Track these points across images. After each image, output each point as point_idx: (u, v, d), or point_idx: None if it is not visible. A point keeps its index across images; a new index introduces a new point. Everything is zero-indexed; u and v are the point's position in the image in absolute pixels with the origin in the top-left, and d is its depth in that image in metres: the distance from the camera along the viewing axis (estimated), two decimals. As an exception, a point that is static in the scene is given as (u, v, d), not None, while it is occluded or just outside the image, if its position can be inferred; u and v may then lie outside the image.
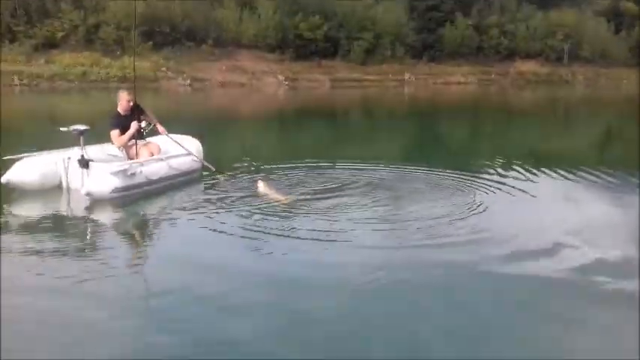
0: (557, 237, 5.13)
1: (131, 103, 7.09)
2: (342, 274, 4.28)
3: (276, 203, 6.18)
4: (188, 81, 40.03)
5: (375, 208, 6.13)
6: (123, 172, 6.11)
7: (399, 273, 4.32)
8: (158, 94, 33.18)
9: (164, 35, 42.97)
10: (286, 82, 44.05)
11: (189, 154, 7.35)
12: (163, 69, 40.59)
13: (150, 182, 6.52)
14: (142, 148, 7.06)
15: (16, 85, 34.80)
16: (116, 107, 7.19)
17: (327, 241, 5.03)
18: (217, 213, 5.86)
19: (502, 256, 4.67)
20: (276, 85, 42.90)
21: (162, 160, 6.95)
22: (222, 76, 42.02)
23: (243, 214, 5.81)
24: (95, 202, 6.07)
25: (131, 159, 6.90)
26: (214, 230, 5.29)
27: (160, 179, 6.72)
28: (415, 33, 54.83)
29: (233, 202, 6.29)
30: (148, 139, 7.42)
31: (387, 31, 52.08)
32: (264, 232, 5.20)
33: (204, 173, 7.65)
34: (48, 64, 38.11)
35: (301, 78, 45.87)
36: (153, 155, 7.02)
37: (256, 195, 6.45)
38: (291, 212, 5.91)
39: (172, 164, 6.98)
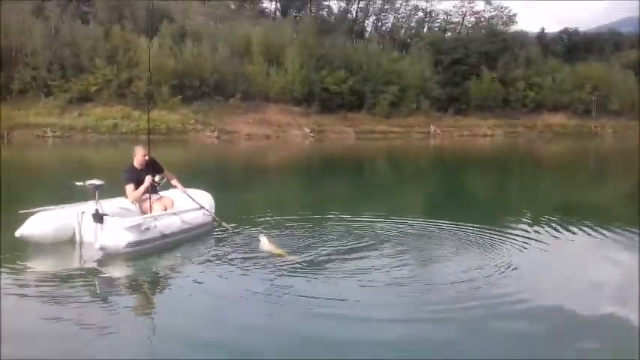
0: (595, 302, 4.81)
1: (147, 158, 7.08)
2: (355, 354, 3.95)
3: (293, 260, 5.99)
4: (216, 133, 40.69)
5: (399, 269, 5.81)
6: (137, 227, 6.09)
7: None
8: (186, 146, 33.74)
9: (194, 89, 44.15)
10: (312, 134, 44.45)
11: (202, 208, 7.32)
12: (192, 122, 41.42)
13: (163, 236, 6.49)
14: (156, 203, 7.00)
15: (49, 136, 35.81)
16: (132, 161, 7.19)
17: (342, 307, 4.72)
18: (229, 269, 5.76)
19: (540, 330, 4.27)
20: (302, 137, 43.30)
21: (175, 214, 6.91)
22: (248, 129, 42.67)
23: (256, 271, 5.67)
24: (108, 256, 6.03)
25: (144, 213, 6.87)
26: (226, 286, 5.24)
27: (173, 233, 6.70)
28: (440, 86, 55.33)
29: (244, 257, 6.14)
30: (161, 193, 7.36)
31: (413, 84, 52.75)
32: (282, 292, 4.98)
33: (215, 227, 7.61)
34: (81, 116, 39.25)
35: (327, 130, 46.36)
36: (166, 209, 6.96)
37: (259, 250, 6.35)
38: (308, 271, 5.68)
39: (185, 218, 6.95)
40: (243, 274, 5.58)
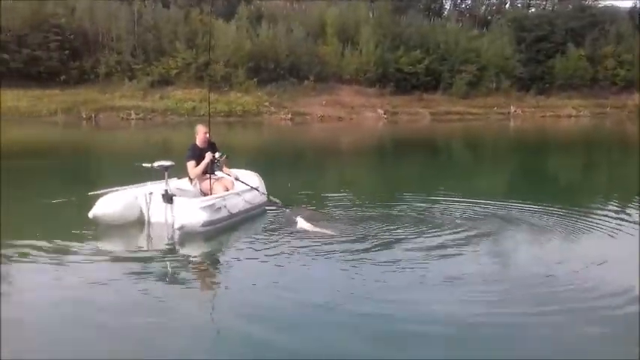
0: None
1: (207, 136, 7.29)
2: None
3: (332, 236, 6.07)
4: (289, 115, 41.05)
5: (471, 260, 5.57)
6: (211, 207, 6.40)
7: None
8: (260, 128, 34.29)
9: (269, 71, 44.64)
10: (385, 116, 43.85)
11: (256, 189, 7.57)
12: (266, 104, 41.99)
13: (231, 216, 6.79)
14: (216, 183, 7.18)
15: (133, 118, 37.50)
16: (194, 140, 7.42)
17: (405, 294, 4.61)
18: (290, 249, 5.87)
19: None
20: (375, 119, 42.84)
21: (238, 194, 7.17)
22: (322, 111, 42.68)
23: (318, 252, 5.75)
24: (176, 236, 6.30)
25: (204, 193, 7.09)
26: (291, 266, 5.39)
27: (239, 213, 7.00)
28: (522, 64, 52.79)
29: (302, 237, 6.25)
30: (219, 174, 7.47)
31: (492, 63, 50.67)
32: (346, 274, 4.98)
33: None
34: (162, 99, 40.78)
35: (401, 112, 45.52)
36: (227, 190, 7.10)
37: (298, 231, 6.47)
38: (373, 254, 5.65)
39: (246, 198, 7.27)
40: (305, 254, 5.65)
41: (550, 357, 3.61)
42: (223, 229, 6.62)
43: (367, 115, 43.88)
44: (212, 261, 5.83)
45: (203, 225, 6.21)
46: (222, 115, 39.05)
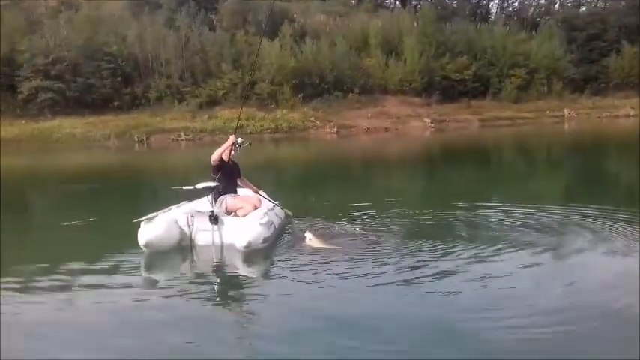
0: None
1: (232, 153, 7.27)
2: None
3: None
4: (335, 129, 40.99)
5: (528, 271, 5.24)
6: (267, 223, 6.40)
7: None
8: (306, 143, 34.31)
9: (313, 87, 44.88)
10: (432, 125, 43.14)
11: (276, 203, 7.63)
12: (312, 119, 42.13)
13: (276, 231, 6.79)
14: (245, 202, 7.09)
15: (182, 140, 38.31)
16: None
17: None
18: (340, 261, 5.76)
19: None
20: (422, 128, 42.20)
21: (272, 210, 7.17)
22: (367, 123, 42.41)
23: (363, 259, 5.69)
24: (222, 256, 6.26)
25: (230, 211, 6.96)
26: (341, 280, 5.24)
27: (279, 228, 7.05)
28: (574, 65, 51.05)
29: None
30: (240, 193, 7.45)
31: (542, 65, 49.29)
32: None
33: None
34: (210, 119, 41.51)
35: (448, 119, 44.73)
36: (256, 208, 6.99)
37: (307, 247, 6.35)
38: (429, 263, 5.46)
39: (278, 213, 7.34)
40: (354, 265, 5.55)
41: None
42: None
43: (413, 124, 43.31)
44: (265, 278, 5.74)
45: (263, 242, 6.20)
46: (269, 131, 39.42)
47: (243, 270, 5.95)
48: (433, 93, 47.38)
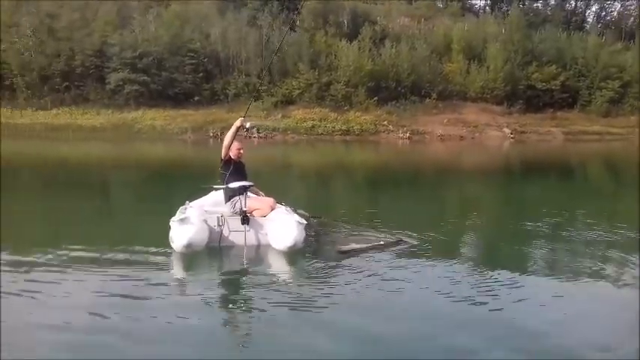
0: None
1: (242, 151, 6.95)
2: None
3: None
4: (407, 134, 40.12)
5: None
6: (304, 224, 6.20)
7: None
8: (376, 147, 33.70)
9: (389, 90, 44.22)
10: (512, 135, 41.18)
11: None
12: (385, 122, 41.48)
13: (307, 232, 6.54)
14: (262, 202, 6.72)
15: (255, 137, 38.89)
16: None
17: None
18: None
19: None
20: (501, 138, 40.36)
21: (295, 211, 6.77)
22: (442, 130, 41.20)
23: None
24: (251, 257, 6.04)
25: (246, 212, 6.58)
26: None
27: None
28: (676, 79, 47.05)
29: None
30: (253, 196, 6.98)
31: (638, 79, 45.64)
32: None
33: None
34: (283, 118, 41.92)
35: (530, 131, 42.57)
36: (273, 209, 6.61)
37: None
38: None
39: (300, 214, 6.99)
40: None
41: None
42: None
43: (491, 134, 41.59)
44: (293, 279, 5.56)
45: (304, 242, 6.09)
46: (340, 133, 39.22)
47: (283, 269, 5.85)
48: (516, 102, 45.37)
